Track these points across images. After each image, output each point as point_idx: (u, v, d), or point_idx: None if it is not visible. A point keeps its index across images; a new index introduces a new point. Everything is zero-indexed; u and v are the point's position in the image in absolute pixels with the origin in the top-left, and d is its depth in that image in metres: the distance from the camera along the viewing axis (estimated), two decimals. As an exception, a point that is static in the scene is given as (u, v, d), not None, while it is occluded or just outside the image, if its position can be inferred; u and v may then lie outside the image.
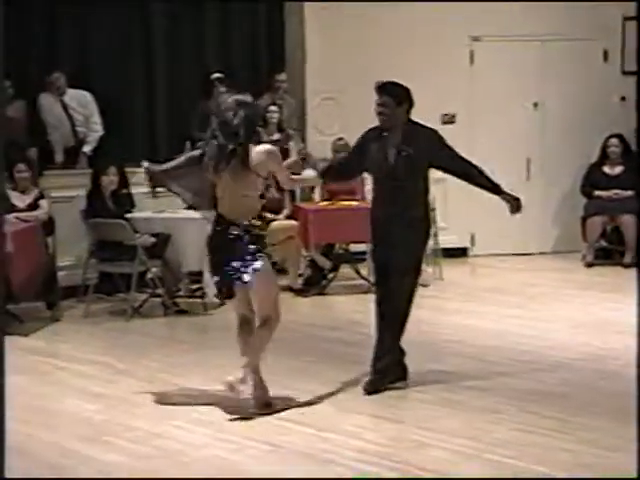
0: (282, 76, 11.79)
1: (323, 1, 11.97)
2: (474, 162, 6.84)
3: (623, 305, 9.45)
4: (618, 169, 11.94)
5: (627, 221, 11.68)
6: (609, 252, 11.95)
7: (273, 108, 11.41)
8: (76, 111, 10.75)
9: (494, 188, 6.83)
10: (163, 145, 11.71)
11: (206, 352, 8.10)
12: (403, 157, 6.70)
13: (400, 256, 6.67)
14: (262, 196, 6.53)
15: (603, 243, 11.97)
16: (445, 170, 6.87)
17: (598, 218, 11.82)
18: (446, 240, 11.44)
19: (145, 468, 5.33)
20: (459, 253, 12.18)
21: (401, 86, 6.80)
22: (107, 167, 9.68)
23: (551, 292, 10.19)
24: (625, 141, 11.97)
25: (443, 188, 11.33)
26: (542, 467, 5.22)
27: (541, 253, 12.43)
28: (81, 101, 10.78)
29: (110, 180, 9.63)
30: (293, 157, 11.37)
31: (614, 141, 11.92)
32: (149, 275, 9.46)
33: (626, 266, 11.52)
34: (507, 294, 10.07)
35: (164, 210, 9.95)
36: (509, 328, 8.55)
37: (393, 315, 6.72)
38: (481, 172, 6.82)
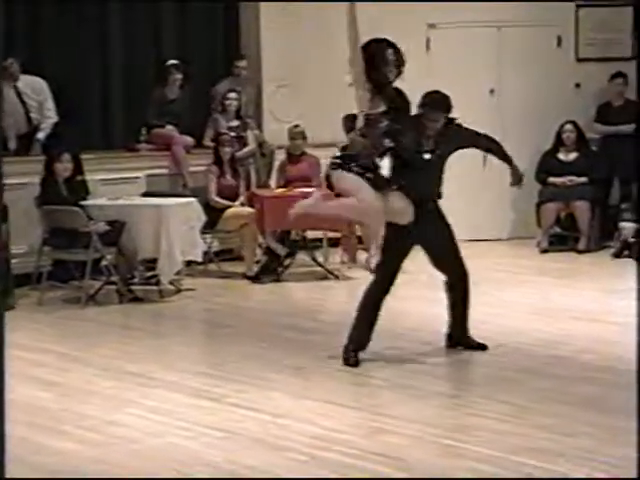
0: (242, 63, 11.75)
1: (276, 1, 11.88)
2: None
3: (577, 291, 9.54)
4: (572, 155, 12.02)
5: (581, 207, 11.76)
6: (563, 238, 12.03)
7: (232, 95, 11.37)
8: (30, 97, 10.64)
9: None
10: (118, 132, 11.64)
11: (161, 339, 8.08)
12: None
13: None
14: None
15: (557, 229, 12.05)
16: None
17: (552, 204, 11.89)
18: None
19: (100, 456, 5.30)
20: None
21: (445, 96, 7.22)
22: (61, 154, 9.59)
23: (506, 278, 10.24)
24: (579, 128, 12.04)
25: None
26: (498, 452, 5.23)
27: (496, 239, 12.48)
28: (35, 87, 10.67)
29: (64, 167, 9.54)
30: (251, 145, 11.36)
31: (569, 127, 11.99)
32: (104, 262, 9.40)
33: (580, 252, 11.62)
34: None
35: (119, 197, 9.90)
36: (465, 314, 8.57)
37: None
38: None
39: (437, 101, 7.16)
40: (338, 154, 6.84)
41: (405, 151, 6.89)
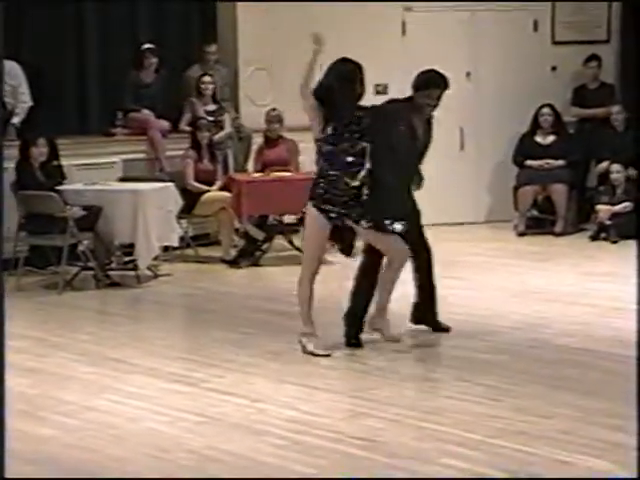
0: (212, 48, 11.67)
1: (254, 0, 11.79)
2: None
3: (555, 273, 9.57)
4: (550, 138, 12.03)
5: (558, 190, 11.79)
6: (540, 221, 12.06)
7: (207, 79, 11.33)
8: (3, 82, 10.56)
9: None
10: (94, 116, 11.57)
11: (139, 325, 8.06)
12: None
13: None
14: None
15: (534, 212, 12.08)
16: None
17: (529, 187, 11.91)
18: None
19: (79, 442, 5.29)
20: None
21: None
22: (36, 139, 9.53)
23: (484, 261, 10.26)
24: (556, 111, 12.07)
25: (376, 158, 11.31)
26: (475, 435, 5.26)
27: (474, 223, 12.50)
28: (9, 72, 10.58)
29: (40, 152, 9.49)
30: (227, 129, 11.32)
31: (546, 110, 12.00)
32: (80, 248, 9.36)
33: (557, 235, 11.65)
34: (440, 264, 10.02)
35: (95, 182, 9.85)
36: (442, 297, 8.56)
37: None
38: None
39: (435, 79, 7.13)
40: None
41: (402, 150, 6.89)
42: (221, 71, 11.74)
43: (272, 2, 11.68)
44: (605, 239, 11.10)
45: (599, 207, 11.32)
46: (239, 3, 11.89)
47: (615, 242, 10.98)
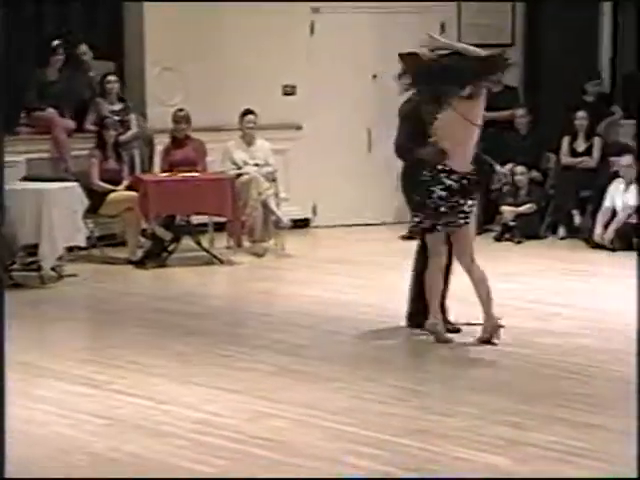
0: (82, 48, 11.46)
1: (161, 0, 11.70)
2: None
3: (459, 274, 9.65)
4: (455, 139, 12.15)
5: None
6: (447, 221, 12.16)
7: (112, 78, 11.23)
8: None
9: None
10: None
11: (43, 326, 7.96)
12: None
13: None
14: None
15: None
16: None
17: (436, 188, 12.01)
18: (288, 211, 11.43)
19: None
20: (301, 224, 12.21)
21: None
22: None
23: (392, 261, 10.28)
24: (462, 113, 12.18)
25: (284, 159, 11.36)
26: (379, 434, 5.29)
27: (382, 223, 12.55)
28: None
29: (-60, 151, 9.30)
30: (134, 129, 11.22)
31: (451, 112, 12.11)
32: (-18, 248, 9.20)
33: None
34: (349, 264, 10.15)
35: (-2, 181, 9.69)
36: (350, 298, 8.62)
37: None
38: None
39: None
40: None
41: None
42: (95, 66, 11.54)
43: (178, 2, 11.59)
44: (509, 239, 11.27)
45: (503, 208, 11.49)
46: (146, 3, 11.77)
47: (519, 242, 11.16)
